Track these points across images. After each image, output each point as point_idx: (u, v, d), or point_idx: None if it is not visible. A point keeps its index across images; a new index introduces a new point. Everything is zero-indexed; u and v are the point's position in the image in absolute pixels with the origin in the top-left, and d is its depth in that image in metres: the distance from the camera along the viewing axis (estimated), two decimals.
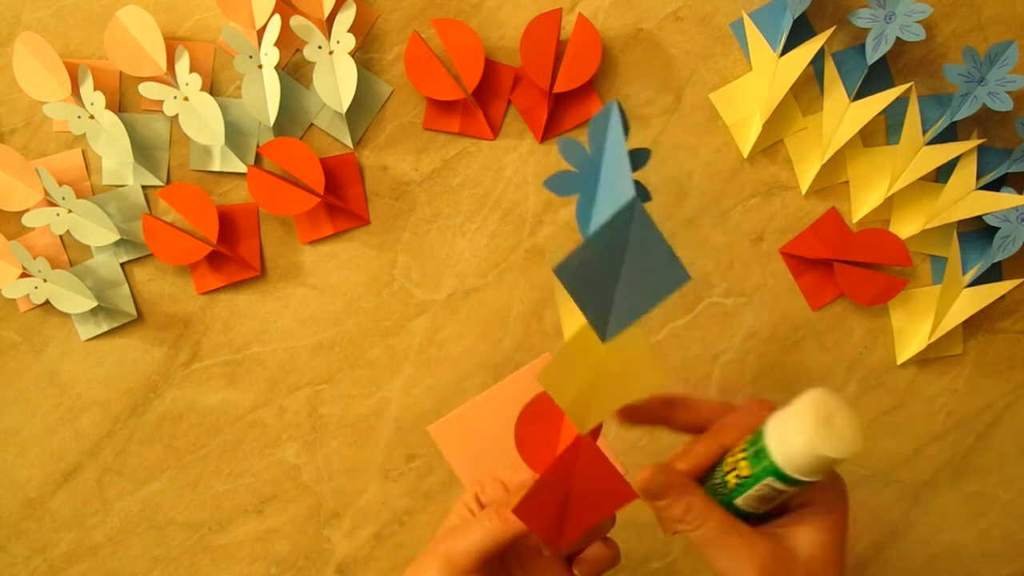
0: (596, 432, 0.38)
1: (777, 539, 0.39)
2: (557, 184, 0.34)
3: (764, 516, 0.40)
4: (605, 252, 0.30)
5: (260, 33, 0.54)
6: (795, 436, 0.35)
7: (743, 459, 0.38)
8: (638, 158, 0.36)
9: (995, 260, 0.54)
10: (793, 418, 0.36)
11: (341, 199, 0.56)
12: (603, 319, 0.31)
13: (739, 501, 0.39)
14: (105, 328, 0.57)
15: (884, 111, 0.55)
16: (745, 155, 0.57)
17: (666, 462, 0.41)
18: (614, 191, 0.31)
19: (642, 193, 0.34)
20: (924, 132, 0.55)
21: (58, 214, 0.54)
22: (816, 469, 0.36)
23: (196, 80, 0.54)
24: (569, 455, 0.37)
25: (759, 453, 0.37)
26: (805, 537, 0.39)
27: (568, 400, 0.35)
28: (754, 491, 0.38)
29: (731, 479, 0.39)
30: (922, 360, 0.59)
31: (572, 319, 0.35)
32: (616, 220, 0.30)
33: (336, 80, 0.54)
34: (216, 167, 0.57)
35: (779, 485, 0.37)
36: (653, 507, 0.40)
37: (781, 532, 0.39)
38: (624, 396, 0.35)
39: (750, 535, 0.38)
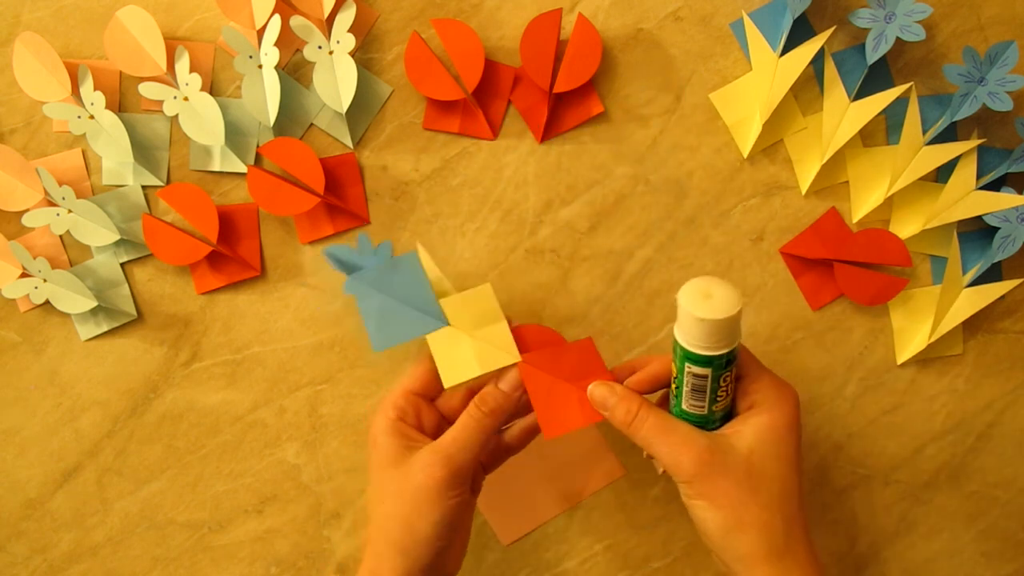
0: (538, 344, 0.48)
1: (720, 437, 0.42)
2: (335, 255, 0.47)
3: (721, 420, 0.44)
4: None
5: (260, 33, 0.54)
6: (683, 315, 0.40)
7: (673, 364, 0.43)
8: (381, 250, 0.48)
9: (995, 260, 0.54)
10: (681, 303, 0.40)
11: (341, 199, 0.56)
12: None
13: (684, 405, 0.44)
14: (105, 328, 0.57)
15: (884, 111, 0.55)
16: (745, 155, 0.57)
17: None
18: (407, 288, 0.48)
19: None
20: (924, 132, 0.55)
21: (58, 214, 0.54)
22: (710, 337, 0.40)
23: (196, 80, 0.54)
24: (573, 346, 0.48)
25: (674, 349, 0.42)
26: (747, 432, 0.42)
27: (451, 380, 0.47)
28: (686, 388, 0.43)
29: (673, 388, 0.44)
30: (922, 360, 0.59)
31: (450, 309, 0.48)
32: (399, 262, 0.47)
33: (336, 80, 0.54)
34: (216, 167, 0.57)
35: (696, 369, 0.41)
36: (610, 420, 0.45)
37: (726, 432, 0.43)
38: (485, 363, 0.47)
39: (689, 432, 0.42)
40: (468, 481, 0.45)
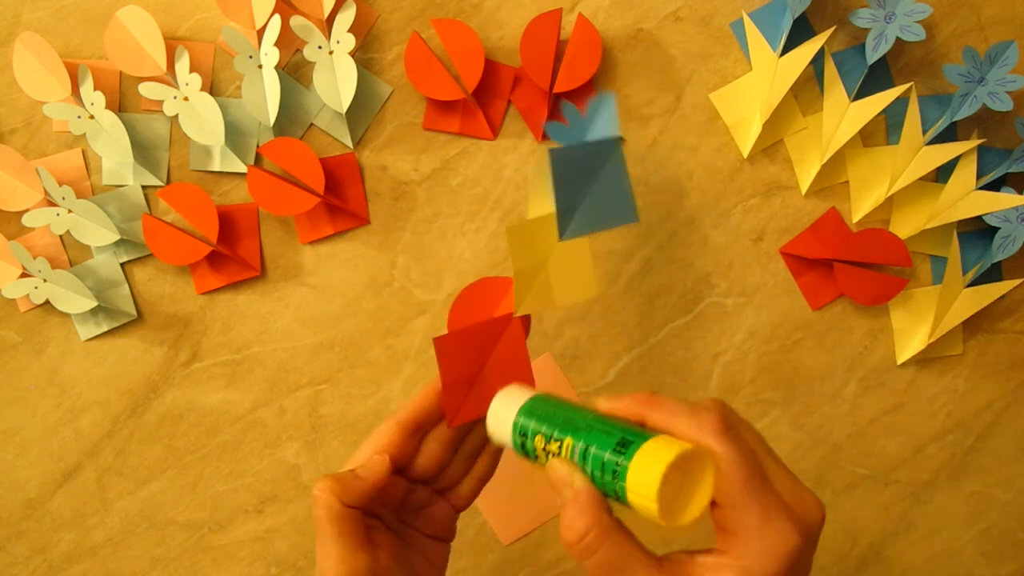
0: (525, 325, 0.42)
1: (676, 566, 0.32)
2: (554, 130, 0.42)
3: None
4: (586, 164, 0.38)
5: (260, 33, 0.54)
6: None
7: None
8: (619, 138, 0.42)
9: (995, 260, 0.54)
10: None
11: (341, 199, 0.56)
12: (565, 220, 0.38)
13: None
14: (105, 328, 0.57)
15: (884, 111, 0.55)
16: (745, 155, 0.57)
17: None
18: (604, 133, 0.39)
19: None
20: (924, 132, 0.55)
21: (58, 214, 0.54)
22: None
23: (196, 80, 0.54)
24: (496, 327, 0.41)
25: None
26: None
27: (520, 267, 0.40)
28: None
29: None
30: (922, 360, 0.59)
31: (538, 207, 0.41)
32: (602, 145, 0.38)
33: (336, 80, 0.54)
34: (216, 167, 0.57)
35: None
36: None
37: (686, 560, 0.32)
38: (558, 295, 0.41)
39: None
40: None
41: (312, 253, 0.58)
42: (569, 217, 0.38)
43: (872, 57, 0.53)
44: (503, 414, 0.37)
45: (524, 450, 0.36)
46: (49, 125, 0.56)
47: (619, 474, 0.30)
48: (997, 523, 0.61)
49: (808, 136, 0.57)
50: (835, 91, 0.55)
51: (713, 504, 0.31)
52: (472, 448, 0.42)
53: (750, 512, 0.30)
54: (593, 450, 0.32)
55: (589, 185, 0.38)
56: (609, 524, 0.31)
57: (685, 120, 0.57)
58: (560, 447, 0.33)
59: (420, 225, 0.58)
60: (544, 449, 0.34)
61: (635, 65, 0.57)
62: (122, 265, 0.57)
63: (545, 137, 0.57)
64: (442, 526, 0.42)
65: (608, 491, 0.31)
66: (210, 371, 0.58)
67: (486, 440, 0.42)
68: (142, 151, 0.56)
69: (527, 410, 0.36)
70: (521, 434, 0.36)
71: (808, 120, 0.57)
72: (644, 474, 0.29)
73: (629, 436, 0.31)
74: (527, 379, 0.41)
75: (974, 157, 0.54)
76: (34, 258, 0.54)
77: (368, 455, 0.39)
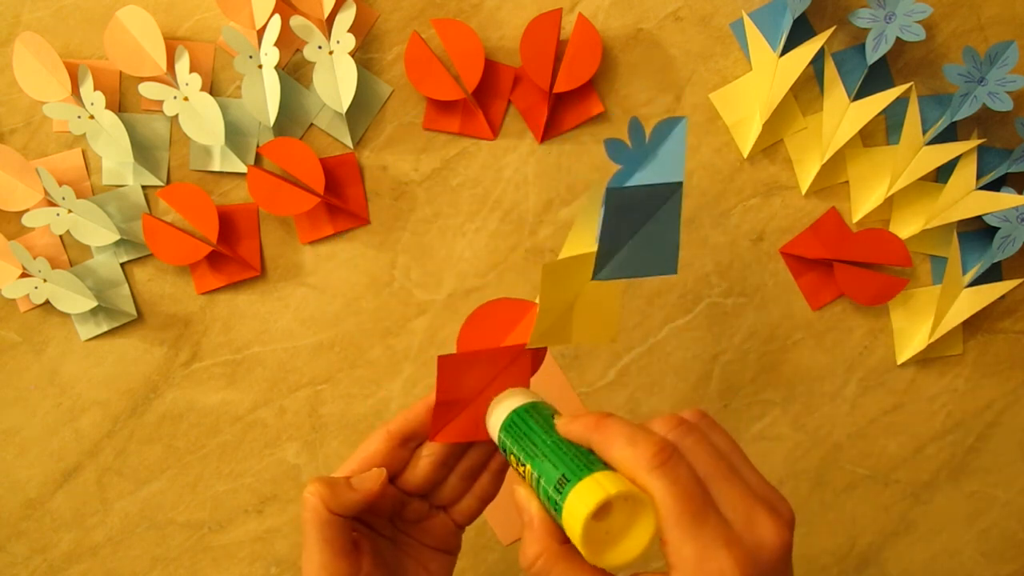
0: (536, 362, 0.40)
1: None
2: (614, 150, 0.37)
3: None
4: (641, 207, 0.36)
5: (260, 33, 0.54)
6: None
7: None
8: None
9: (995, 260, 0.54)
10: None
11: (341, 199, 0.56)
12: (605, 260, 0.36)
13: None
14: (105, 328, 0.57)
15: (884, 111, 0.55)
16: (745, 155, 0.57)
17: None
18: (667, 171, 0.36)
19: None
20: (924, 132, 0.55)
21: (58, 214, 0.54)
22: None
23: (196, 80, 0.54)
24: (505, 355, 0.39)
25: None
26: None
27: (546, 306, 0.38)
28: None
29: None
30: (922, 360, 0.59)
31: (576, 242, 0.38)
32: (661, 189, 0.36)
33: (336, 80, 0.54)
34: (216, 167, 0.57)
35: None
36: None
37: None
38: (577, 334, 0.38)
39: None
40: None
41: (312, 253, 0.58)
42: (609, 259, 0.36)
43: (872, 57, 0.53)
44: (493, 425, 0.37)
45: (506, 457, 0.37)
46: (49, 125, 0.56)
47: (558, 511, 0.31)
48: (997, 523, 0.61)
49: (808, 136, 0.57)
50: (835, 91, 0.55)
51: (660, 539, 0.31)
52: (471, 468, 0.41)
53: (685, 547, 0.30)
54: (542, 482, 0.33)
55: (638, 229, 0.36)
56: (558, 551, 0.32)
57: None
58: (524, 472, 0.34)
59: (420, 225, 0.58)
60: (516, 469, 0.35)
61: (635, 65, 0.57)
62: (122, 265, 0.57)
63: (547, 132, 0.57)
64: (441, 539, 0.42)
65: (557, 522, 0.32)
66: (210, 371, 0.58)
67: (487, 460, 0.41)
68: (142, 151, 0.56)
69: (507, 425, 0.36)
70: (503, 449, 0.37)
71: (808, 120, 0.57)
72: (573, 517, 0.30)
73: (569, 473, 0.31)
74: None
75: (974, 157, 0.54)
76: (34, 258, 0.54)
77: (358, 461, 0.39)
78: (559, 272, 0.38)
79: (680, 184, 0.36)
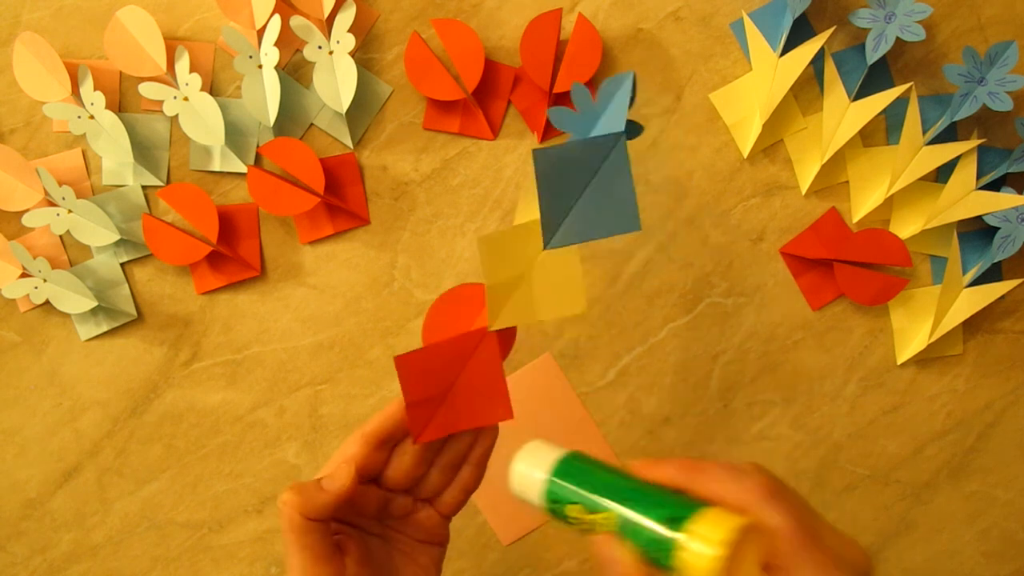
0: (506, 343, 0.38)
1: None
2: (558, 117, 0.36)
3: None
4: (580, 165, 0.33)
5: (260, 33, 0.54)
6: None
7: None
8: (633, 126, 0.37)
9: (995, 260, 0.54)
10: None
11: (341, 199, 0.56)
12: (553, 226, 0.34)
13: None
14: (105, 328, 0.57)
15: (884, 111, 0.55)
16: (745, 155, 0.57)
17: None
18: (610, 126, 0.34)
19: (632, 131, 0.36)
20: (924, 132, 0.55)
21: (58, 214, 0.54)
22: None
23: (196, 80, 0.54)
24: (469, 341, 0.37)
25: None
26: None
27: (494, 281, 0.36)
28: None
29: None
30: (922, 360, 0.59)
31: (527, 212, 0.36)
32: (600, 142, 0.33)
33: (336, 80, 0.54)
34: (216, 167, 0.57)
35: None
36: None
37: None
38: (542, 310, 0.36)
39: None
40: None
41: (312, 253, 0.58)
42: (556, 224, 0.34)
43: (872, 57, 0.53)
44: (529, 477, 0.35)
45: (557, 515, 0.35)
46: (49, 125, 0.56)
47: (671, 550, 0.30)
48: (997, 523, 0.61)
49: (808, 136, 0.57)
50: (835, 91, 0.55)
51: (767, 567, 0.31)
52: (452, 459, 0.41)
53: (805, 570, 0.31)
54: (641, 525, 0.31)
55: (583, 189, 0.34)
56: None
57: (685, 120, 0.57)
58: (602, 519, 0.33)
59: (420, 225, 0.58)
60: (582, 518, 0.33)
61: (635, 65, 0.57)
62: (122, 265, 0.57)
63: (548, 132, 0.57)
64: (430, 532, 0.42)
65: (659, 564, 0.31)
66: (210, 371, 0.58)
67: (468, 450, 0.41)
68: (142, 151, 0.56)
69: (560, 473, 0.34)
70: (554, 501, 0.35)
71: (808, 120, 0.57)
72: (701, 551, 0.29)
73: (678, 510, 0.31)
74: (502, 396, 0.38)
75: (974, 157, 0.54)
76: (34, 258, 0.54)
77: (335, 466, 0.38)
78: (499, 244, 0.36)
79: (621, 134, 0.33)
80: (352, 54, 0.54)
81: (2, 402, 0.58)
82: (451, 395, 0.38)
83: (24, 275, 0.55)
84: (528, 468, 0.35)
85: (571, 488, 0.34)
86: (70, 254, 0.57)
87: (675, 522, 0.30)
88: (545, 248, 0.34)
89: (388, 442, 0.39)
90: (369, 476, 0.39)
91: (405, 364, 0.37)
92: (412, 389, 0.37)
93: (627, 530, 0.31)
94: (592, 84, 0.56)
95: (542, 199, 0.34)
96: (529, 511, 0.59)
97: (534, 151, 0.34)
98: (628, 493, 0.32)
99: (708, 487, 0.32)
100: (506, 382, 0.38)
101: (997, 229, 0.54)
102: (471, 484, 0.42)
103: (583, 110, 0.36)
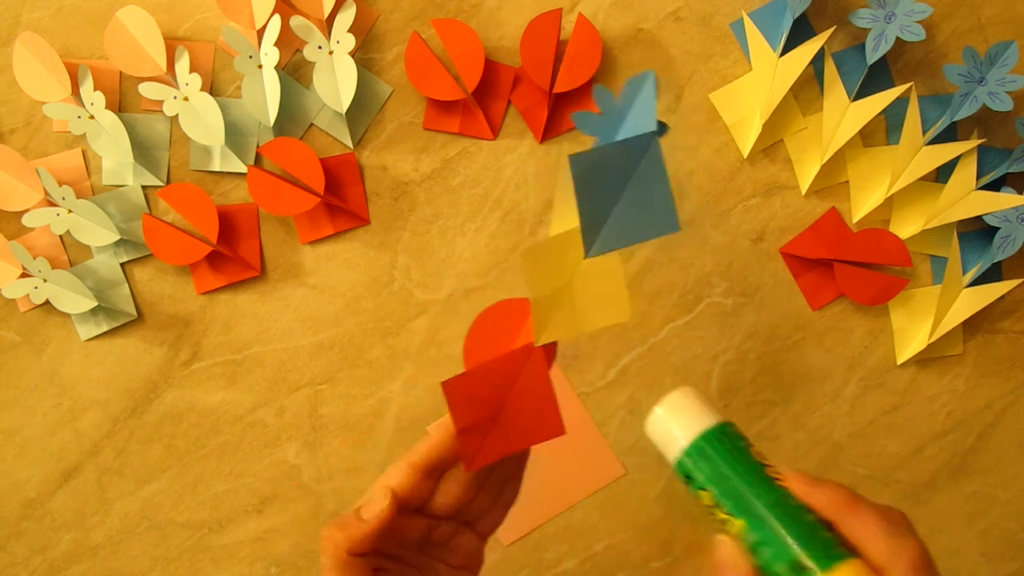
0: (550, 355, 0.37)
1: None
2: (582, 121, 0.34)
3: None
4: (615, 168, 0.32)
5: (260, 33, 0.54)
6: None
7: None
8: (661, 125, 0.36)
9: (995, 260, 0.54)
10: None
11: (341, 199, 0.56)
12: (593, 233, 0.33)
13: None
14: (105, 328, 0.57)
15: (884, 111, 0.55)
16: (745, 155, 0.57)
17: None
18: (638, 126, 0.32)
19: (661, 129, 0.34)
20: (924, 132, 0.55)
21: (58, 214, 0.54)
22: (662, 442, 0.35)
23: (196, 80, 0.54)
24: (516, 360, 0.36)
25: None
26: None
27: (537, 294, 0.35)
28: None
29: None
30: (922, 360, 0.59)
31: (562, 221, 0.35)
32: (633, 144, 0.32)
33: (336, 80, 0.54)
34: (216, 167, 0.57)
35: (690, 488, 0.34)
36: None
37: None
38: (587, 321, 0.35)
39: None
40: None
41: (312, 253, 0.58)
42: (596, 231, 0.33)
43: (872, 57, 0.53)
44: (668, 434, 0.34)
45: (686, 484, 0.34)
46: (49, 125, 0.57)
47: None
48: (997, 523, 0.61)
49: (808, 136, 0.57)
50: (835, 91, 0.55)
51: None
52: (498, 481, 0.40)
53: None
54: (767, 552, 0.30)
55: (620, 192, 0.32)
56: None
57: (685, 120, 0.57)
58: (731, 523, 0.32)
59: (420, 225, 0.58)
60: (711, 510, 0.33)
61: (635, 65, 0.57)
62: (122, 265, 0.57)
63: (547, 132, 0.57)
64: (468, 556, 0.41)
65: None
66: (210, 371, 0.58)
67: (512, 470, 0.40)
68: (142, 151, 0.56)
69: (698, 451, 0.33)
70: (685, 475, 0.34)
71: (808, 120, 0.57)
72: None
73: (811, 557, 0.30)
74: (552, 412, 0.36)
75: (974, 157, 0.54)
76: (34, 258, 0.54)
77: (377, 495, 0.37)
78: (541, 256, 0.35)
79: (654, 134, 0.32)
80: (352, 54, 0.54)
81: (2, 402, 0.58)
82: (501, 417, 0.37)
83: (24, 275, 0.55)
84: (671, 423, 0.34)
85: (705, 475, 0.33)
86: (70, 254, 0.57)
87: (802, 570, 0.29)
88: (586, 256, 0.33)
89: (436, 471, 0.38)
90: (414, 506, 0.38)
91: (453, 389, 0.36)
92: (462, 415, 0.36)
93: (757, 546, 0.31)
94: (592, 84, 0.56)
95: (581, 206, 0.33)
96: (529, 511, 0.59)
97: (570, 157, 0.32)
98: (766, 512, 0.31)
99: (857, 532, 0.31)
100: (556, 397, 0.37)
101: (997, 229, 0.54)
102: (512, 499, 0.41)
103: (606, 111, 0.35)
